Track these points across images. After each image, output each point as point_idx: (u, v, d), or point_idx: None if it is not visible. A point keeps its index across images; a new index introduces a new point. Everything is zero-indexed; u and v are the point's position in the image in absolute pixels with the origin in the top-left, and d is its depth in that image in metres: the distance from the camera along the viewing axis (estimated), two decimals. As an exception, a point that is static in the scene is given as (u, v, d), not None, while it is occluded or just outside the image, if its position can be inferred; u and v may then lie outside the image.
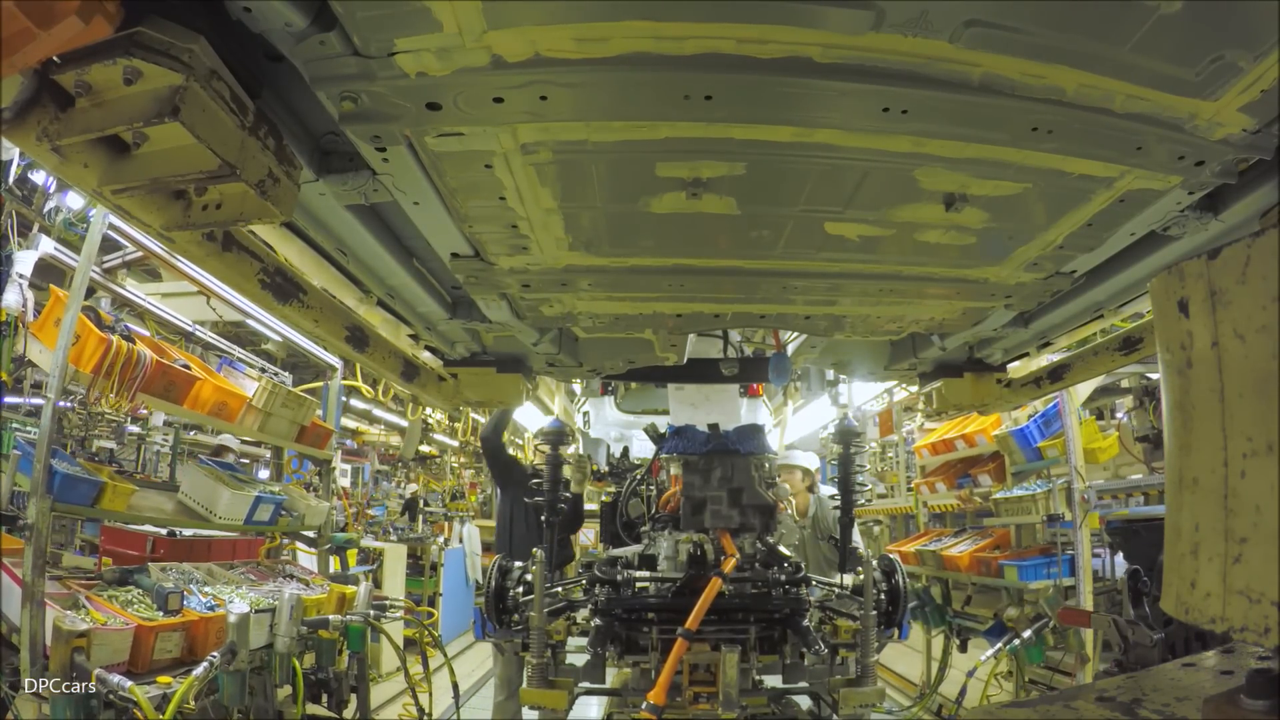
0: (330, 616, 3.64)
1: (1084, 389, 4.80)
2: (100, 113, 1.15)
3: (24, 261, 3.11)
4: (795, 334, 3.30)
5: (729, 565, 2.64)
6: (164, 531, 3.91)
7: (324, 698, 3.62)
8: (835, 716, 2.72)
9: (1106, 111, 1.36)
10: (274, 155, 1.30)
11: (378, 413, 11.68)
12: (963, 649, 5.41)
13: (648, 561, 2.99)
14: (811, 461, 4.86)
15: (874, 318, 2.50)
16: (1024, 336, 2.80)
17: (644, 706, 2.28)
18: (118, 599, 3.06)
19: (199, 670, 2.78)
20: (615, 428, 6.42)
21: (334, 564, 5.05)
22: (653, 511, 3.39)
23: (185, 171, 1.23)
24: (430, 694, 4.27)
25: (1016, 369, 3.26)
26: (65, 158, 1.23)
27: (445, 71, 1.23)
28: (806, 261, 2.04)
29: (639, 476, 3.77)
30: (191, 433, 7.85)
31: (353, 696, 3.83)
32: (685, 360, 3.23)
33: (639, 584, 2.74)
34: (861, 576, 2.74)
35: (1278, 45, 1.19)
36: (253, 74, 1.28)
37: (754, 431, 3.05)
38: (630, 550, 3.19)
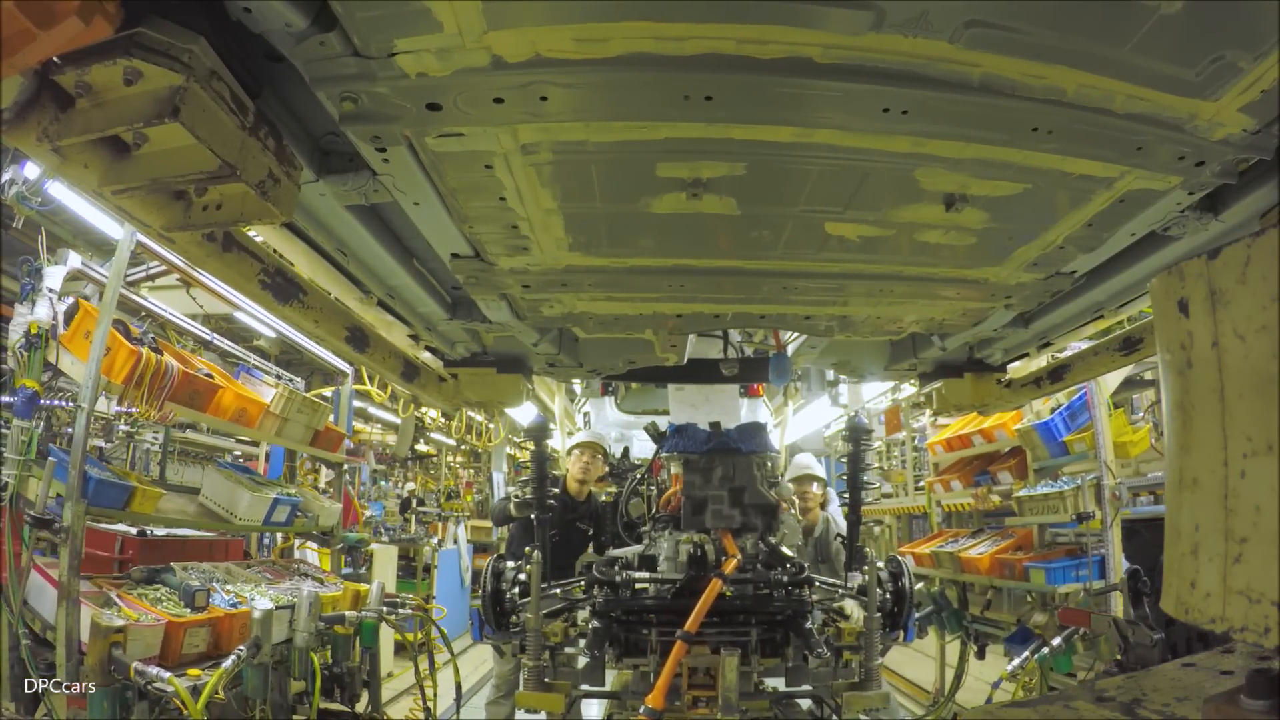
0: (346, 612, 3.72)
1: (1112, 379, 4.52)
2: (100, 113, 1.15)
3: (53, 276, 3.25)
4: (795, 334, 3.29)
5: (730, 566, 2.60)
6: (134, 531, 3.95)
7: (337, 692, 3.67)
8: None
9: (1107, 112, 1.36)
10: (274, 156, 1.30)
11: (374, 411, 11.66)
12: (980, 656, 5.14)
13: (648, 562, 2.95)
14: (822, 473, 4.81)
15: (874, 318, 2.50)
16: (1024, 337, 2.80)
17: (642, 710, 2.25)
18: (147, 597, 3.18)
19: (228, 663, 2.89)
20: (615, 428, 6.42)
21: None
22: (653, 511, 3.36)
23: (185, 172, 1.23)
24: (436, 692, 4.28)
25: (1017, 369, 3.26)
26: (65, 158, 1.23)
27: (445, 72, 1.23)
28: (807, 262, 2.04)
29: (639, 476, 3.75)
30: (186, 431, 7.84)
31: (364, 691, 3.88)
32: (685, 360, 3.23)
33: (638, 585, 2.71)
34: (867, 577, 2.70)
35: (1278, 46, 1.19)
36: (253, 74, 1.28)
37: (756, 430, 3.02)
38: (630, 551, 3.16)
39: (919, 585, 5.03)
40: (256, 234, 1.91)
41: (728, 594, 2.54)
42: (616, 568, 2.85)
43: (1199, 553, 0.91)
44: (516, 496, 4.15)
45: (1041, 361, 3.20)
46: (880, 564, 2.83)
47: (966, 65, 1.25)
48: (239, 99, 1.21)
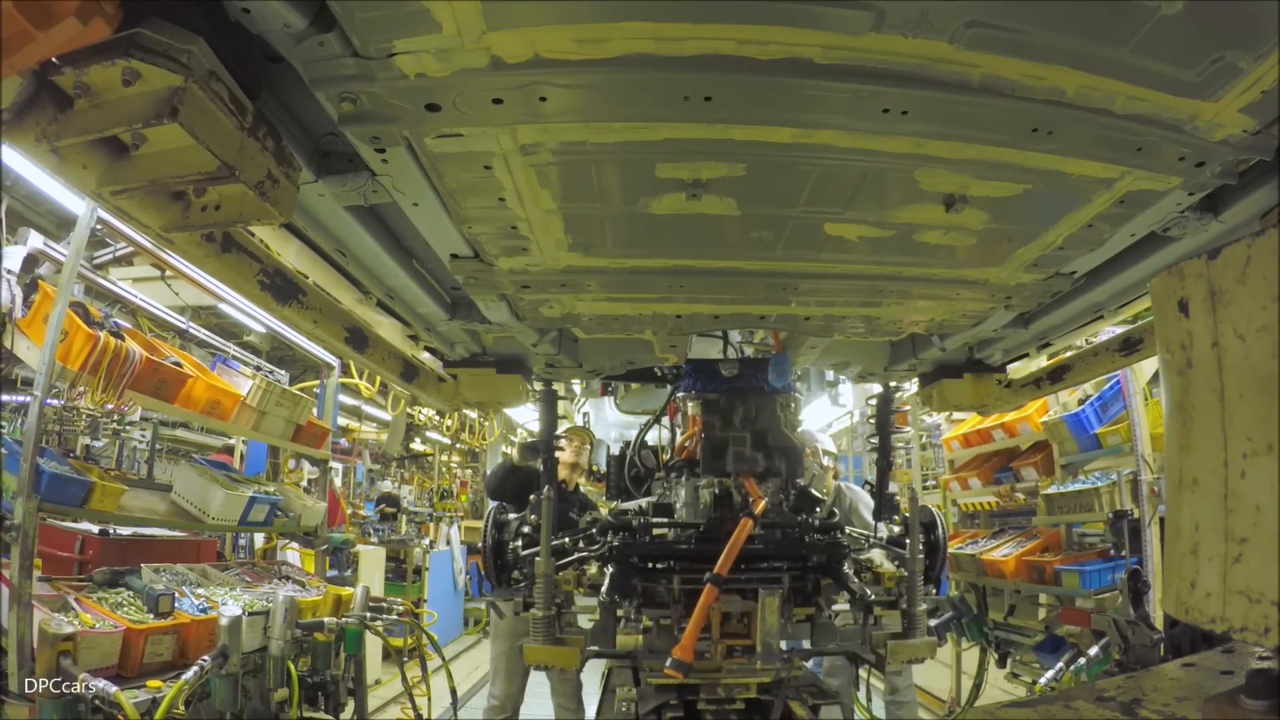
0: (326, 619, 3.61)
1: (1148, 367, 4.12)
2: (99, 114, 1.15)
3: (12, 257, 3.07)
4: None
5: (760, 506, 2.41)
6: (95, 530, 3.80)
7: (321, 701, 3.60)
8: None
9: (1107, 113, 1.36)
10: (273, 156, 1.30)
11: (370, 410, 11.60)
12: (1001, 664, 4.87)
13: (663, 511, 2.77)
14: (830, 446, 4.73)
15: (874, 319, 2.50)
16: (1024, 337, 2.80)
17: (669, 664, 2.10)
18: (107, 601, 3.01)
19: (189, 674, 2.75)
20: (615, 428, 6.41)
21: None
22: (668, 458, 3.16)
23: (184, 173, 1.23)
24: (429, 698, 4.27)
25: (1016, 369, 3.26)
26: (64, 159, 1.23)
27: (444, 73, 1.23)
28: (806, 263, 2.04)
29: (649, 423, 3.55)
30: (178, 429, 7.82)
31: (350, 700, 3.81)
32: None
33: (656, 532, 2.52)
34: (897, 527, 2.59)
35: (1278, 46, 1.19)
36: (251, 75, 1.28)
37: None
38: (643, 501, 2.96)
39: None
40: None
41: (756, 536, 2.34)
42: (629, 517, 2.67)
43: (1199, 553, 0.91)
44: (528, 438, 3.98)
45: (1042, 361, 3.20)
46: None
47: (966, 66, 1.25)
48: (237, 100, 1.21)
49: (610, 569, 2.47)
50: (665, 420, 3.64)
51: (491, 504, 3.28)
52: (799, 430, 2.90)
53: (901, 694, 4.76)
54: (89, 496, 3.06)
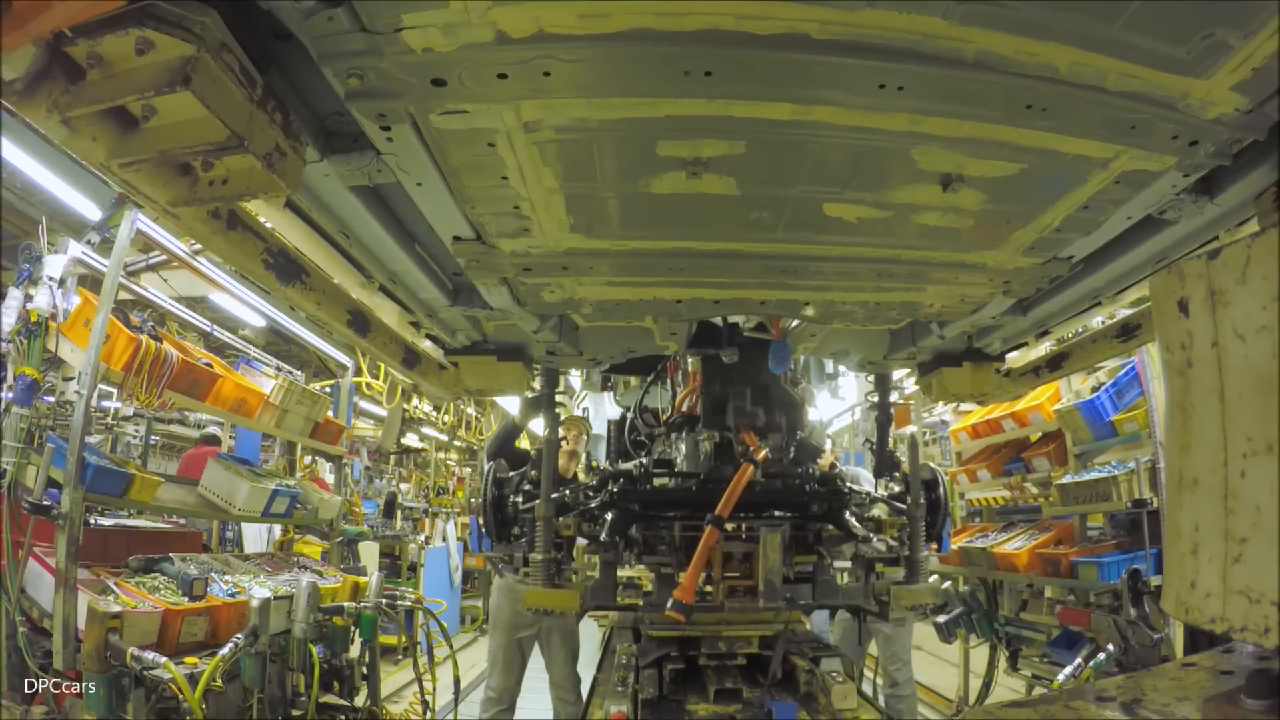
0: (345, 603, 3.75)
1: None
2: (111, 84, 1.18)
3: (53, 265, 3.28)
4: (795, 322, 3.29)
5: (761, 453, 2.41)
6: None
7: (335, 686, 3.70)
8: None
9: (1100, 89, 1.38)
10: (281, 129, 1.33)
11: (364, 404, 11.52)
12: (1012, 662, 4.80)
13: (664, 465, 2.79)
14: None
15: (873, 304, 2.52)
16: (1022, 325, 2.81)
17: (669, 605, 2.10)
18: (144, 585, 3.21)
19: (225, 650, 2.92)
20: (615, 423, 6.41)
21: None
22: (669, 417, 3.18)
23: (193, 143, 1.25)
24: (435, 687, 4.30)
25: (1015, 358, 3.27)
26: (74, 131, 1.25)
27: (451, 47, 1.25)
28: (806, 245, 2.06)
29: (648, 384, 3.55)
30: (170, 425, 7.86)
31: (363, 685, 3.90)
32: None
33: (657, 482, 2.55)
34: (898, 486, 2.60)
35: (1272, 21, 1.21)
36: (261, 52, 1.30)
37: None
38: (644, 458, 2.99)
39: (945, 585, 4.84)
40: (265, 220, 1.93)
41: (758, 485, 2.34)
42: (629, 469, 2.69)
43: (1199, 553, 0.91)
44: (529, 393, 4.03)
45: (1040, 350, 3.21)
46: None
47: (960, 41, 1.27)
48: (248, 72, 1.23)
49: (610, 515, 2.47)
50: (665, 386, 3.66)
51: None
52: (801, 386, 2.92)
53: (901, 688, 4.76)
54: (129, 487, 3.29)
